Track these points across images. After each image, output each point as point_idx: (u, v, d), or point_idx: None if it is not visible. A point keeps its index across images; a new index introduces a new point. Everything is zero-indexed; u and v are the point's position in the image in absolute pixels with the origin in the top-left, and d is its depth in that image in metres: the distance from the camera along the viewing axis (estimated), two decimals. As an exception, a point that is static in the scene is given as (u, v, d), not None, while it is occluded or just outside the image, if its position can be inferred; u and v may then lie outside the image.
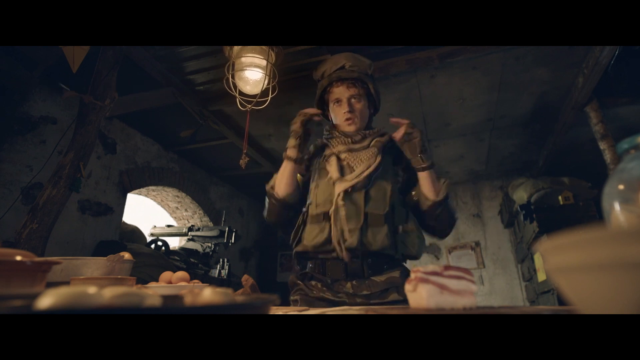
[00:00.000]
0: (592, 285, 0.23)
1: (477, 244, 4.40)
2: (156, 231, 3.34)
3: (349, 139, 1.15)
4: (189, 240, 3.30)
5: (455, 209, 1.13)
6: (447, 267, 0.53)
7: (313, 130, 1.15)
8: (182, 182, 3.69)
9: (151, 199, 3.93)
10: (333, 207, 1.04)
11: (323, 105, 1.25)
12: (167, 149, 3.53)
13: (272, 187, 1.15)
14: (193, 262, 3.04)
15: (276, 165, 3.89)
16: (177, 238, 3.68)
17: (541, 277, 3.16)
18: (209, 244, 3.23)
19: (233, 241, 3.23)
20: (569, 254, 0.24)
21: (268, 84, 1.89)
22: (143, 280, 1.45)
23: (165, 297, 0.34)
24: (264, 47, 1.86)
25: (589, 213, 2.98)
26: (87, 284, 0.64)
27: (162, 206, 4.07)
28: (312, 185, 1.15)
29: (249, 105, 1.87)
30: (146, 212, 4.39)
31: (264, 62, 1.87)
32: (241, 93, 1.91)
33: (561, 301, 2.72)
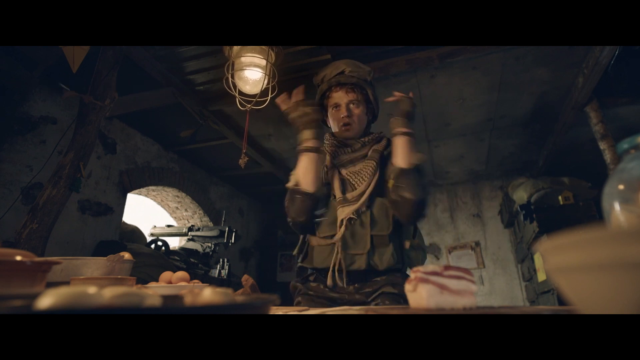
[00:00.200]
0: (592, 285, 0.23)
1: (477, 244, 4.40)
2: (156, 231, 3.34)
3: (349, 149, 1.15)
4: (189, 240, 3.30)
5: (425, 187, 1.02)
6: (447, 267, 0.53)
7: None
8: (182, 182, 3.69)
9: (151, 199, 3.93)
10: (339, 235, 1.04)
11: (322, 110, 1.25)
12: (167, 149, 3.53)
13: (298, 184, 1.07)
14: (193, 262, 3.04)
15: (276, 165, 3.89)
16: (177, 238, 3.68)
17: (541, 277, 3.16)
18: (209, 244, 3.23)
19: (233, 241, 3.23)
20: (569, 254, 0.24)
21: (268, 83, 1.89)
22: (143, 280, 1.45)
23: (165, 297, 0.34)
24: (263, 47, 1.86)
25: (589, 213, 2.98)
26: (87, 284, 0.64)
27: (162, 206, 4.07)
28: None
29: (249, 105, 1.86)
30: (146, 212, 4.39)
31: (263, 62, 1.87)
32: (241, 93, 1.91)
33: (561, 301, 2.72)
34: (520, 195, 3.43)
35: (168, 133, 3.28)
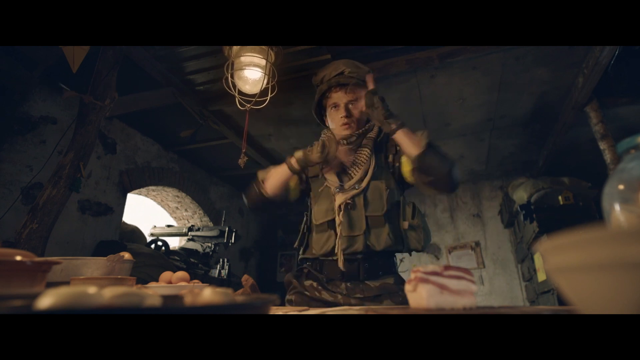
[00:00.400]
0: (592, 285, 0.23)
1: (477, 244, 4.40)
2: (156, 231, 3.34)
3: (344, 141, 1.17)
4: (189, 240, 3.30)
5: (447, 155, 1.04)
6: (447, 267, 0.53)
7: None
8: (182, 182, 3.69)
9: (151, 199, 3.93)
10: (337, 221, 1.08)
11: (321, 111, 1.26)
12: (167, 149, 3.53)
13: (263, 181, 1.19)
14: (193, 262, 3.04)
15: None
16: (177, 238, 3.68)
17: (541, 277, 3.16)
18: (209, 244, 3.23)
19: (233, 241, 3.23)
20: (569, 254, 0.24)
21: (267, 83, 1.89)
22: (143, 280, 1.45)
23: (165, 297, 0.34)
24: (263, 46, 1.85)
25: (589, 213, 2.98)
26: (87, 284, 0.64)
27: (162, 206, 4.07)
28: (313, 194, 1.20)
29: (248, 105, 1.86)
30: (146, 212, 4.39)
31: (263, 62, 1.87)
32: (240, 92, 1.91)
33: (561, 301, 2.72)
34: (520, 195, 3.43)
35: (168, 133, 3.28)
